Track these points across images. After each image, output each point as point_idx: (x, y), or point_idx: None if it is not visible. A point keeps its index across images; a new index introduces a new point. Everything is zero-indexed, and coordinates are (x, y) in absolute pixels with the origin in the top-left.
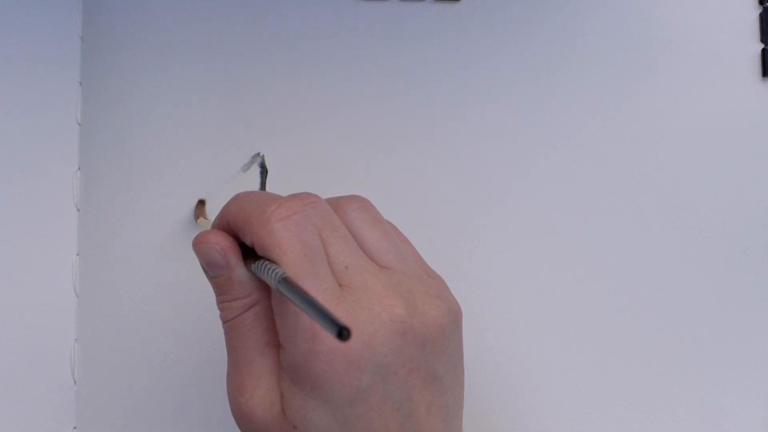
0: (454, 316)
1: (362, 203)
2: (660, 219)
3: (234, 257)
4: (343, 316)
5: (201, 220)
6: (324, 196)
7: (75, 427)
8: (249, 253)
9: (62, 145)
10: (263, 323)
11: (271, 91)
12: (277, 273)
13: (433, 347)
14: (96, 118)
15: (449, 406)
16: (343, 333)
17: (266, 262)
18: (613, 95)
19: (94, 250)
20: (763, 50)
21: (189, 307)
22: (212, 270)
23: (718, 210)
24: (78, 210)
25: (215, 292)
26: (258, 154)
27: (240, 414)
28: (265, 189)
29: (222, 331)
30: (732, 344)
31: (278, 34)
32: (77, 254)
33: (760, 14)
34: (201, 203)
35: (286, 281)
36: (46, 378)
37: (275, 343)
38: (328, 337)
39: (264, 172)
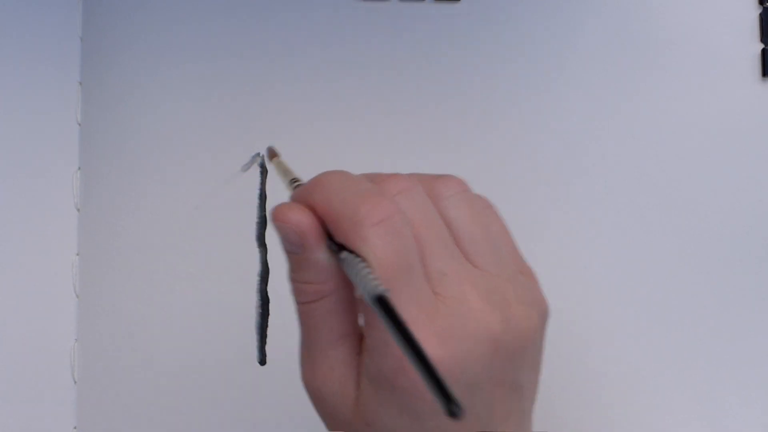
0: (543, 320)
1: (460, 187)
2: (660, 219)
3: (312, 240)
4: (438, 334)
5: (276, 160)
6: None
7: (75, 427)
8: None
9: (62, 145)
10: (338, 314)
11: (271, 91)
12: (371, 285)
13: (522, 360)
14: (96, 118)
15: (525, 410)
16: (455, 411)
17: (359, 261)
18: (613, 95)
19: (94, 250)
20: (763, 50)
21: (189, 307)
22: (288, 246)
23: (718, 210)
24: (78, 210)
25: (290, 268)
26: (258, 154)
27: (314, 395)
28: (265, 189)
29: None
30: (732, 344)
31: (278, 34)
32: (77, 254)
33: (760, 14)
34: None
35: (382, 301)
36: (46, 378)
37: (350, 332)
38: None
39: (264, 172)
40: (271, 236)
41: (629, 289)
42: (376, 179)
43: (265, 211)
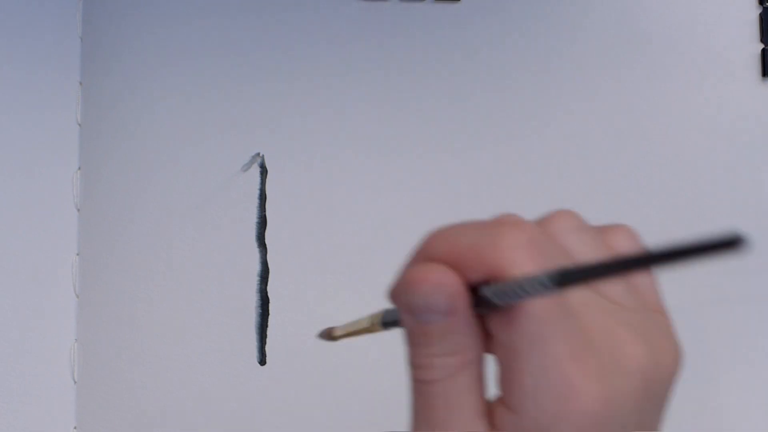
0: (680, 361)
1: (577, 222)
2: (659, 218)
3: (461, 300)
4: (596, 370)
5: (340, 334)
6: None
7: (75, 427)
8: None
9: (62, 145)
10: (479, 388)
11: (271, 91)
12: (544, 275)
13: (661, 400)
14: (96, 118)
15: None
16: (737, 242)
17: (510, 280)
18: (614, 95)
19: (94, 250)
20: (763, 50)
21: (189, 307)
22: (428, 316)
23: (718, 209)
24: (78, 210)
25: (415, 343)
26: (258, 154)
27: None
28: (265, 189)
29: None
30: (733, 344)
31: (278, 34)
32: (77, 254)
33: (760, 14)
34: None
35: (565, 274)
36: (46, 378)
37: (486, 412)
38: (583, 397)
39: (264, 172)
40: (271, 236)
41: None
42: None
43: (265, 210)
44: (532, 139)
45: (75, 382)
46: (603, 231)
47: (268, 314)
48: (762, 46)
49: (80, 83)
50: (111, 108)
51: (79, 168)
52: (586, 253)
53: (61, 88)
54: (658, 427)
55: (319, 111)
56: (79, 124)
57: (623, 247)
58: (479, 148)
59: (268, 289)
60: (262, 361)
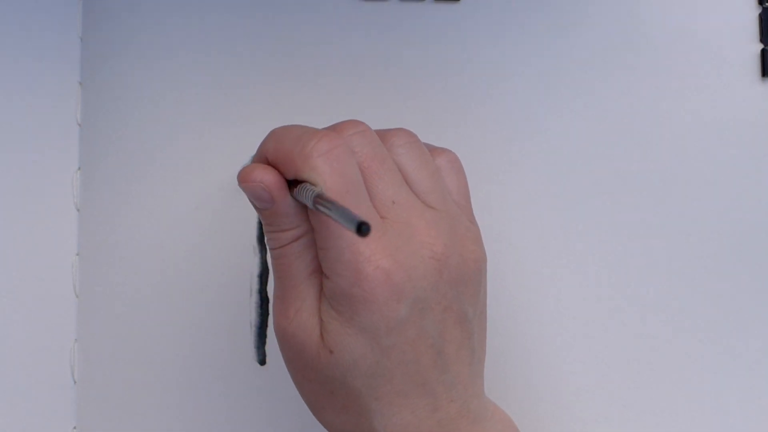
0: (485, 265)
1: (410, 138)
2: (659, 219)
3: (278, 192)
4: (385, 248)
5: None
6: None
7: (75, 427)
8: (293, 183)
9: (62, 145)
10: (311, 252)
11: (271, 91)
12: (313, 192)
13: (466, 289)
14: (96, 118)
15: (475, 350)
16: (362, 228)
17: (306, 184)
18: (613, 95)
19: (94, 250)
20: (763, 50)
21: (189, 307)
22: (259, 203)
23: (718, 210)
24: (78, 210)
25: (264, 222)
26: None
27: (284, 336)
28: None
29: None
30: (734, 345)
31: (278, 34)
32: (77, 254)
33: (760, 14)
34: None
35: (320, 198)
36: (46, 378)
37: (318, 271)
38: (370, 267)
39: None
40: None
41: (628, 289)
42: (335, 126)
43: None
44: (531, 138)
45: (75, 382)
46: (432, 151)
47: (267, 314)
48: (762, 46)
49: (80, 83)
50: (111, 108)
51: (79, 168)
52: (409, 163)
53: (61, 88)
54: (469, 316)
55: (319, 111)
56: (79, 124)
57: (444, 168)
58: (479, 147)
59: (268, 289)
60: (262, 361)
